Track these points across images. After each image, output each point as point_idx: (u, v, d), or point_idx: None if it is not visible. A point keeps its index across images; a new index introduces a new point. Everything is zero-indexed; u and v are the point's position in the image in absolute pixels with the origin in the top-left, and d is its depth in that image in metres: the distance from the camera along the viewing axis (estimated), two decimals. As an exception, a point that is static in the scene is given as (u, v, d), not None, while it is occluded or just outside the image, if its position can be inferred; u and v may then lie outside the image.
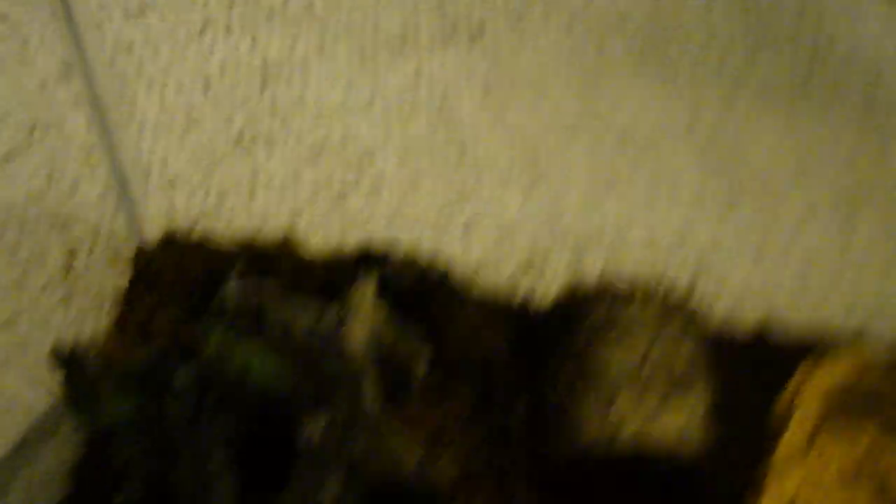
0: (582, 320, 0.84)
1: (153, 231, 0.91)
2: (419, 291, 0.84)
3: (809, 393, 0.84)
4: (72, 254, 0.79)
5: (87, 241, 0.82)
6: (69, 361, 0.67)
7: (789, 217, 1.00)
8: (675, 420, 0.79)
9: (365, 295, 0.77)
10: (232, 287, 0.71)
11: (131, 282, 0.88)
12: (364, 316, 0.75)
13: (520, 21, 1.08)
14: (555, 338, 0.85)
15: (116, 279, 0.88)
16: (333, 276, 0.85)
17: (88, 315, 0.82)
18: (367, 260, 0.84)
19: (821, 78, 1.08)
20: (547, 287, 0.91)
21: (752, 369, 0.89)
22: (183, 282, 0.87)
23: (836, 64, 1.08)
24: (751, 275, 0.96)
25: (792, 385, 0.84)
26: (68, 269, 0.78)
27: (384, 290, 0.80)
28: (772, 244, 0.98)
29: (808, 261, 0.97)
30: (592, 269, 0.93)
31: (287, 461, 0.68)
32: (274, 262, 0.88)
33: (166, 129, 0.96)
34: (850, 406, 0.85)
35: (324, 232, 0.93)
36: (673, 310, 0.84)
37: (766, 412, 0.84)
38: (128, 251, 0.90)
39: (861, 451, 0.85)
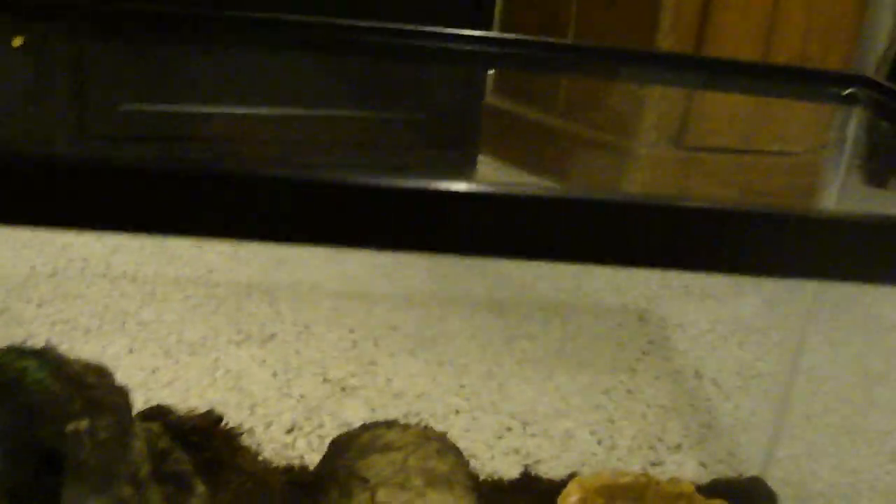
0: (353, 442, 0.91)
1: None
2: (200, 432, 0.90)
3: (570, 494, 0.91)
4: None
5: None
6: None
7: (553, 441, 1.12)
8: (439, 497, 0.84)
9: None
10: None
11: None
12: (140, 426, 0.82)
13: (306, 329, 1.28)
14: (329, 464, 0.91)
15: None
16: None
17: None
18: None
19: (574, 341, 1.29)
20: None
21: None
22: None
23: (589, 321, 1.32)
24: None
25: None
26: None
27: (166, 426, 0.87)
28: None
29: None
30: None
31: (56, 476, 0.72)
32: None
33: None
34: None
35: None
36: (433, 434, 0.93)
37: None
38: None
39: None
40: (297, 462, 0.98)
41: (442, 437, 0.93)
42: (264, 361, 1.23)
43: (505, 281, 1.58)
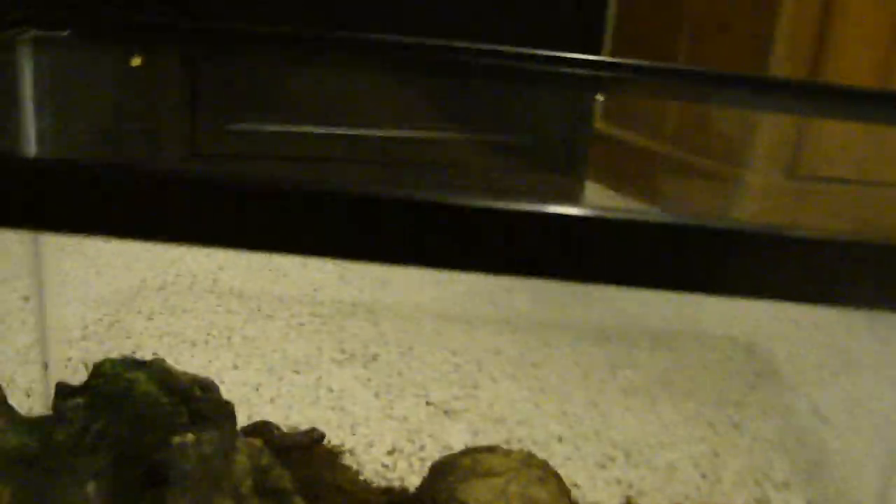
0: (454, 466, 0.90)
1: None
2: (302, 449, 0.91)
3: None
4: None
5: None
6: None
7: (656, 473, 1.11)
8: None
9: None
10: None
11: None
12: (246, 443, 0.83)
13: (409, 350, 1.28)
14: (428, 489, 0.91)
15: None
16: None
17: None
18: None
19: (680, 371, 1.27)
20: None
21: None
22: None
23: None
24: None
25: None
26: None
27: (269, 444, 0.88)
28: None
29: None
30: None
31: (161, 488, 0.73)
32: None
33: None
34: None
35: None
36: (534, 461, 0.92)
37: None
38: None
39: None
40: (396, 484, 0.98)
41: (543, 465, 0.92)
42: (367, 381, 1.23)
43: (609, 308, 1.56)
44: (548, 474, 0.91)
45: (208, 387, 0.76)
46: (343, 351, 1.31)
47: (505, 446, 0.94)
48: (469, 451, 0.92)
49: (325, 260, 1.41)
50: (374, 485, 0.95)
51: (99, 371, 0.73)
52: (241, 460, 0.77)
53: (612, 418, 1.21)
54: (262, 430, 0.91)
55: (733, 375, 1.37)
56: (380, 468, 1.04)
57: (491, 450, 0.92)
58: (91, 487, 0.72)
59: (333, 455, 0.94)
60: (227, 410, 0.75)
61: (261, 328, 1.36)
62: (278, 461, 0.85)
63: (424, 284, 1.57)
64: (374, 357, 1.31)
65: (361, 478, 0.95)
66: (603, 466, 1.10)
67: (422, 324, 1.42)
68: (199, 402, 0.74)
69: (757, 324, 1.57)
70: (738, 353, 1.45)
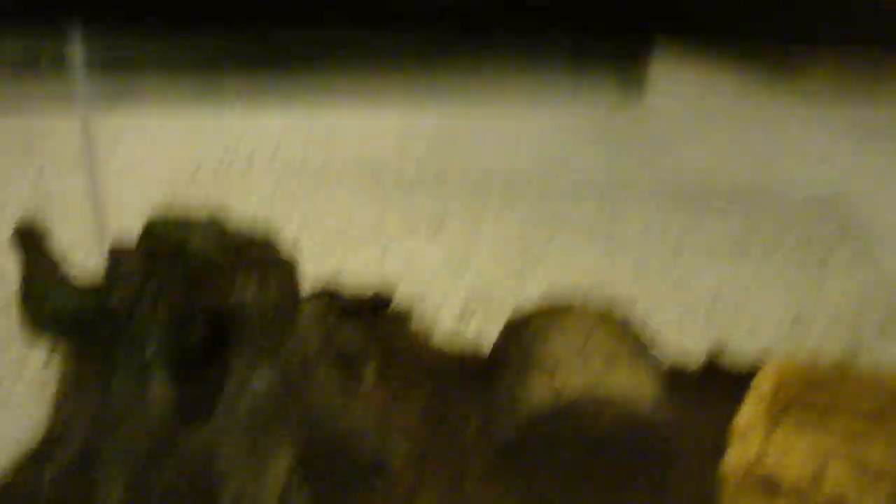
0: (529, 323, 0.86)
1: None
2: (370, 312, 0.88)
3: (764, 379, 0.84)
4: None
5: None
6: (29, 239, 0.70)
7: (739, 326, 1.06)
8: (622, 379, 0.79)
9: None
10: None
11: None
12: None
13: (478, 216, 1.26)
14: (503, 347, 0.87)
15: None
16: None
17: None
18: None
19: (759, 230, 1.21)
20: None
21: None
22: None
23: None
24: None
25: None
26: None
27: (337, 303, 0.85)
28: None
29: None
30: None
31: (221, 342, 0.70)
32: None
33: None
34: (805, 407, 0.86)
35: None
36: (614, 316, 0.87)
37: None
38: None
39: (832, 439, 0.83)
40: (469, 347, 0.93)
41: (623, 320, 0.87)
42: (435, 247, 1.19)
43: (679, 171, 1.49)
44: (628, 329, 0.86)
45: (268, 243, 0.72)
46: (409, 219, 1.27)
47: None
48: (544, 309, 0.88)
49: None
50: (446, 347, 0.91)
51: (150, 231, 0.69)
52: (306, 321, 0.74)
53: (692, 276, 1.17)
54: (326, 295, 0.87)
55: (816, 231, 1.31)
56: (451, 331, 1.00)
57: (567, 307, 0.88)
58: (150, 350, 0.69)
59: (403, 318, 0.90)
60: (288, 265, 0.71)
61: (324, 198, 1.32)
62: (346, 324, 0.82)
63: (491, 149, 1.51)
64: (442, 223, 1.27)
65: (433, 341, 0.90)
66: (685, 323, 1.06)
67: (490, 190, 1.37)
68: (259, 259, 0.71)
69: (837, 181, 1.49)
70: (819, 209, 1.38)
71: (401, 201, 1.32)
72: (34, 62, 1.48)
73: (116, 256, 0.71)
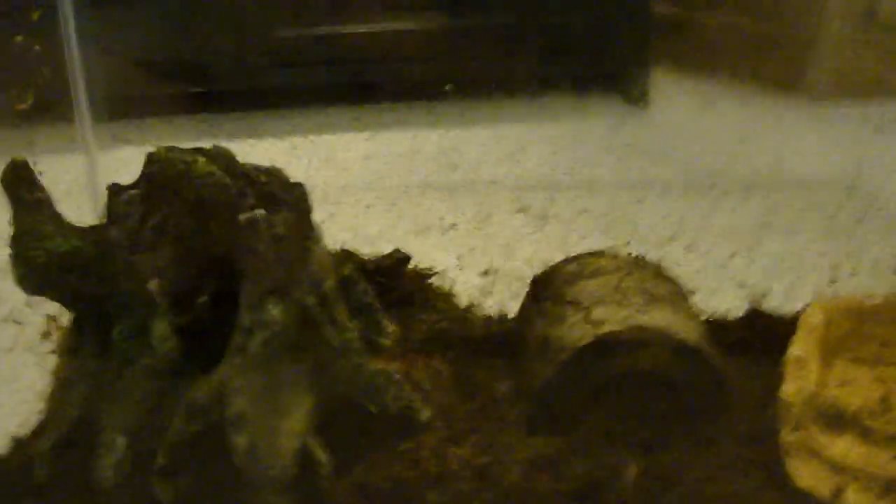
0: (557, 274, 0.81)
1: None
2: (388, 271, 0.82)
3: (812, 315, 0.78)
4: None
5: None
6: (18, 183, 0.64)
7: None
8: (665, 313, 0.73)
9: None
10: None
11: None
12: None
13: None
14: (532, 303, 0.81)
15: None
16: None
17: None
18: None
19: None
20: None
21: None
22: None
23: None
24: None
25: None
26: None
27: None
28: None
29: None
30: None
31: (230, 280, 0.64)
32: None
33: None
34: (862, 340, 0.80)
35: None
36: (644, 261, 0.82)
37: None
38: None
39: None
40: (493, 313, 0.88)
41: (657, 266, 0.82)
42: (445, 250, 1.15)
43: (692, 166, 1.45)
44: (662, 274, 0.81)
45: (275, 172, 0.67)
46: (418, 224, 1.23)
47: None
48: (573, 258, 0.82)
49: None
50: (471, 305, 0.86)
51: (153, 157, 0.64)
52: (321, 253, 0.68)
53: (715, 258, 1.12)
54: (342, 252, 0.82)
55: (837, 214, 1.26)
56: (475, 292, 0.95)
57: (597, 254, 0.82)
58: (153, 285, 0.64)
59: (423, 276, 0.85)
60: (298, 192, 0.66)
61: (327, 212, 1.27)
62: (363, 276, 0.76)
63: (495, 162, 1.46)
64: (452, 226, 1.22)
65: (455, 300, 0.85)
66: (716, 293, 1.01)
67: (499, 194, 1.32)
68: (267, 185, 0.65)
69: (854, 168, 1.44)
70: (838, 194, 1.33)
71: (408, 210, 1.27)
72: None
73: (116, 188, 0.65)
